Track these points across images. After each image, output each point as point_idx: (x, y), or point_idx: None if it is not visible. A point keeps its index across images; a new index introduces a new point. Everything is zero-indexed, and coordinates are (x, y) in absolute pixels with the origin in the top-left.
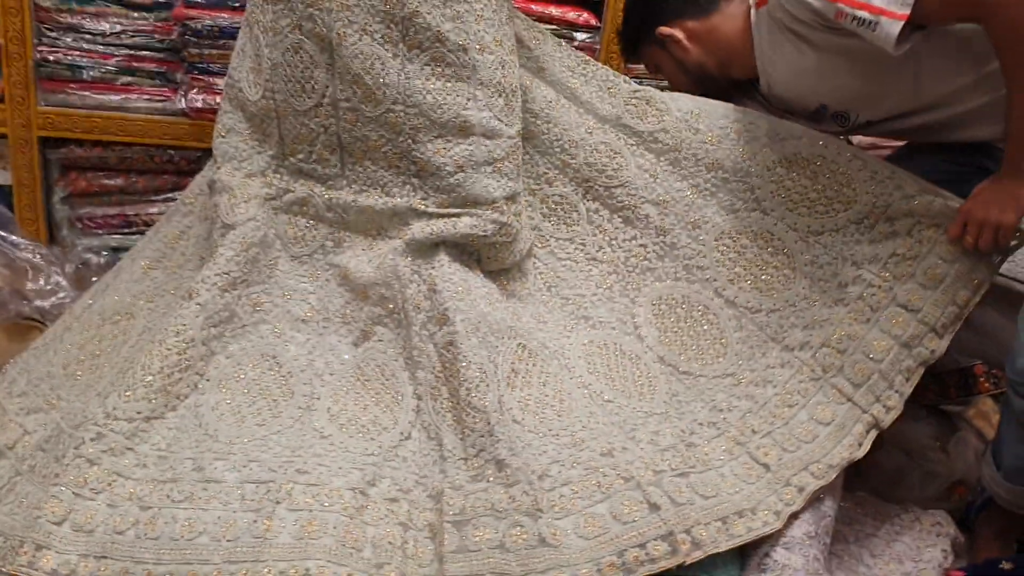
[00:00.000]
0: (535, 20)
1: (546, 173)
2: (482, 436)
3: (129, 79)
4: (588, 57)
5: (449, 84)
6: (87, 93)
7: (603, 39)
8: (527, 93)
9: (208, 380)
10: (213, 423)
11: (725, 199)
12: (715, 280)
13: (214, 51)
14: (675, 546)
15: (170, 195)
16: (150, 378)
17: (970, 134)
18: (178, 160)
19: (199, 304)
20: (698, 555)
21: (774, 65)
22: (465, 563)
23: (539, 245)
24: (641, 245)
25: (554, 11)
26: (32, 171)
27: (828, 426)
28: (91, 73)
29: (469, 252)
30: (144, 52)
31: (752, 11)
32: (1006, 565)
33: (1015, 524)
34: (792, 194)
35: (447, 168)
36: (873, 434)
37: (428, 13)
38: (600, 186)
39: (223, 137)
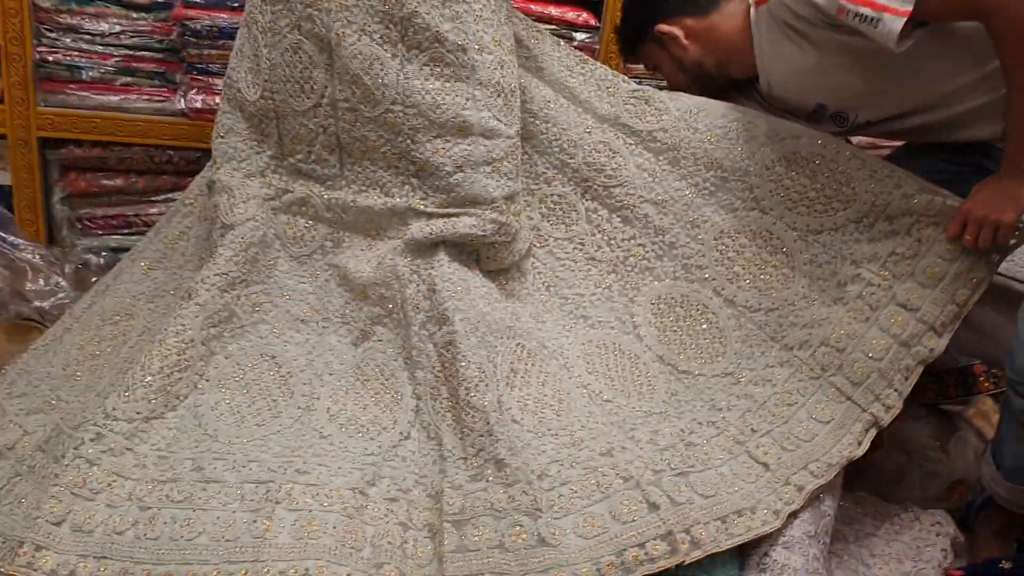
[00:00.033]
0: (534, 20)
1: (545, 173)
2: (481, 436)
3: (128, 79)
4: (586, 56)
5: (448, 84)
6: (86, 94)
7: (602, 39)
8: (525, 93)
9: (207, 380)
10: (212, 423)
11: (724, 198)
12: (714, 279)
13: (213, 51)
14: (674, 545)
15: (170, 195)
16: (149, 378)
17: (970, 134)
18: (177, 160)
19: (198, 304)
20: (697, 554)
21: (774, 63)
22: (464, 563)
23: (538, 245)
24: (640, 244)
25: (553, 11)
26: (32, 172)
27: (827, 425)
28: (90, 73)
29: (468, 252)
30: (143, 52)
31: (752, 10)
32: (1006, 564)
33: (1015, 524)
34: (791, 193)
35: (446, 168)
36: (872, 433)
37: (427, 13)
38: (599, 186)
39: (222, 137)
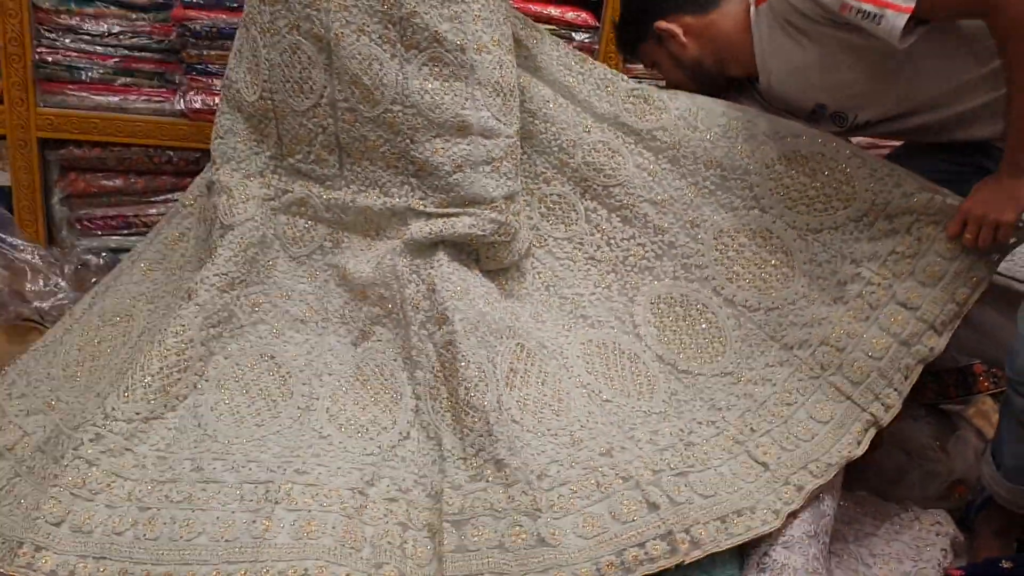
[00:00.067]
0: (534, 20)
1: (544, 172)
2: (481, 436)
3: (128, 80)
4: (585, 56)
5: (447, 84)
6: (86, 94)
7: (602, 39)
8: (524, 92)
9: (207, 380)
10: (212, 423)
11: (724, 197)
12: (713, 279)
13: (212, 52)
14: (674, 545)
15: (169, 196)
16: (149, 379)
17: (970, 134)
18: (177, 161)
19: (198, 304)
20: (697, 554)
21: (774, 61)
22: (464, 563)
23: (537, 244)
24: (639, 244)
25: (553, 11)
26: (31, 172)
27: (827, 424)
28: (90, 74)
29: (468, 252)
30: (143, 53)
31: (752, 8)
32: (1006, 564)
33: (1015, 523)
34: (791, 192)
35: (445, 168)
36: (872, 432)
37: (426, 13)
38: (598, 185)
39: (221, 138)
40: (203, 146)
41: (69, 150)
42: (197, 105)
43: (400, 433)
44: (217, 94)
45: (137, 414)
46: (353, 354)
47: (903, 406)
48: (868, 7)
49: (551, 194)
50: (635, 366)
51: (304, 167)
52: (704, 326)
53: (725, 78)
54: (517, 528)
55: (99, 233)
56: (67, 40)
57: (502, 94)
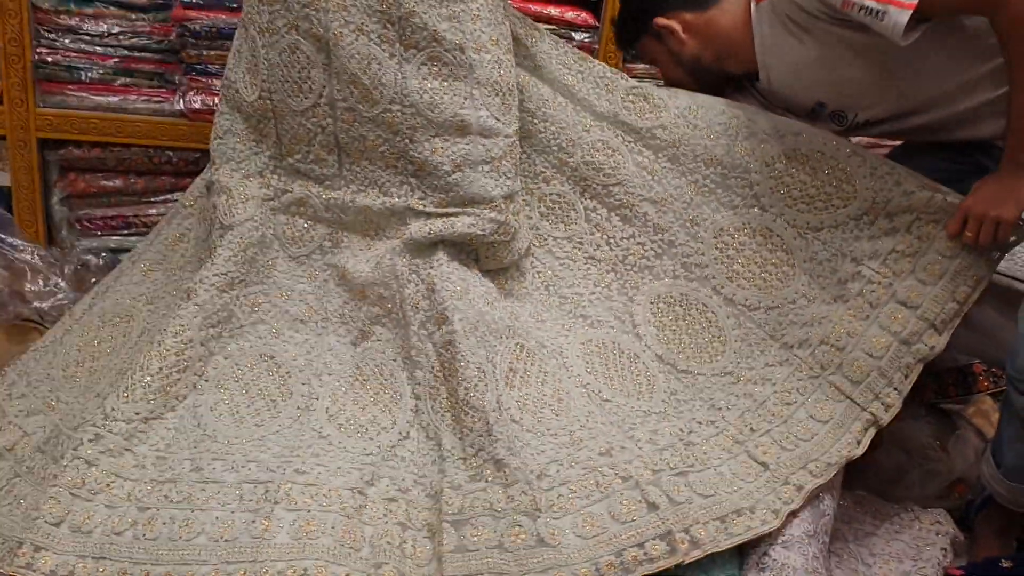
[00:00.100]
0: (533, 20)
1: (543, 172)
2: (480, 436)
3: (127, 80)
4: (585, 54)
5: (446, 83)
6: (85, 94)
7: (601, 38)
8: (524, 92)
9: (207, 380)
10: (211, 423)
11: (724, 196)
12: (713, 278)
13: (212, 52)
14: (673, 545)
15: (169, 196)
16: (148, 379)
17: (970, 133)
18: (176, 161)
19: (197, 304)
20: (697, 554)
21: (775, 59)
22: (463, 563)
23: (537, 244)
24: (639, 243)
25: (552, 11)
26: (31, 173)
27: (827, 424)
28: (89, 74)
29: (467, 251)
30: (142, 53)
31: (752, 5)
32: (1006, 564)
33: (1015, 523)
34: (791, 190)
35: (444, 167)
36: (872, 432)
37: (424, 13)
38: (598, 184)
39: (220, 138)
40: (203, 146)
41: (69, 150)
42: (197, 105)
43: (400, 433)
44: (217, 94)
45: (137, 414)
46: (353, 354)
47: (903, 405)
48: (871, 3)
49: (551, 193)
50: (635, 366)
51: (303, 167)
52: (704, 325)
53: (724, 75)
54: (516, 528)
55: (99, 233)
56: (67, 40)
57: (501, 93)
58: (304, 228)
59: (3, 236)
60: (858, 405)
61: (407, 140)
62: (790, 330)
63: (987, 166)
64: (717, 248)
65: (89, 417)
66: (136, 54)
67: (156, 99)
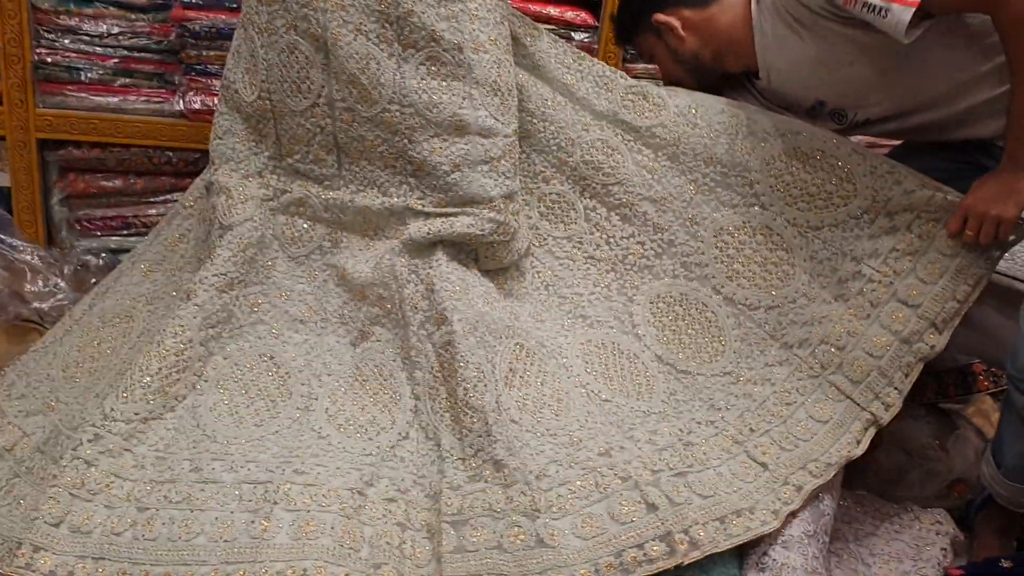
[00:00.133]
0: (533, 20)
1: (543, 171)
2: (480, 436)
3: (127, 81)
4: (583, 53)
5: (444, 83)
6: (85, 95)
7: (601, 38)
8: (523, 91)
9: (206, 381)
10: (211, 424)
11: (724, 194)
12: (713, 277)
13: (212, 52)
14: (673, 546)
15: (168, 196)
16: (148, 379)
17: (970, 132)
18: (176, 161)
19: (197, 305)
20: (696, 555)
21: (776, 57)
22: (462, 563)
23: (537, 244)
24: (639, 243)
25: (552, 11)
26: (31, 173)
27: (826, 424)
28: (89, 75)
29: (466, 251)
30: (142, 54)
31: (753, 3)
32: (1006, 563)
33: (1015, 523)
34: (791, 189)
35: (443, 167)
36: (872, 432)
37: (423, 13)
38: (597, 184)
39: (220, 139)
40: (202, 147)
41: (68, 151)
42: (196, 106)
43: (399, 433)
44: (216, 95)
45: (136, 414)
46: (352, 354)
47: (903, 405)
48: (874, 0)
49: (550, 193)
50: (634, 366)
51: (302, 167)
52: (703, 325)
53: (722, 72)
54: (516, 529)
55: (98, 234)
56: (66, 41)
57: (500, 93)
58: (303, 228)
59: (3, 236)
60: (858, 405)
61: (406, 140)
62: (790, 329)
63: (987, 165)
64: (717, 247)
65: (88, 417)
66: (136, 54)
67: (156, 99)
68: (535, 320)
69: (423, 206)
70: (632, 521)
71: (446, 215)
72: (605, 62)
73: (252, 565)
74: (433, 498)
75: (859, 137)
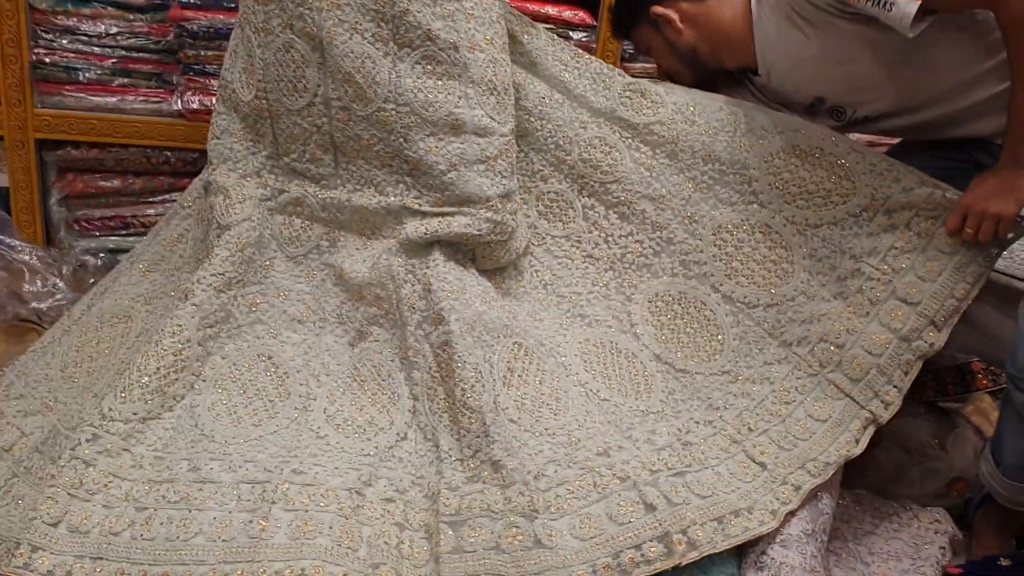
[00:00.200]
0: (531, 20)
1: (541, 170)
2: (478, 437)
3: (125, 81)
4: (581, 51)
5: (440, 82)
6: (83, 95)
7: (599, 37)
8: (520, 90)
9: (204, 380)
10: (209, 423)
11: (722, 192)
12: (712, 275)
13: (210, 52)
14: (671, 547)
15: (167, 196)
16: (146, 379)
17: (973, 130)
18: (174, 161)
19: (195, 305)
20: (694, 556)
21: (776, 53)
22: (461, 564)
23: (535, 243)
24: (637, 241)
25: (550, 10)
26: (29, 173)
27: (825, 423)
28: (87, 75)
29: (464, 251)
30: (140, 54)
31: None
32: (1005, 562)
33: (1014, 521)
34: (790, 186)
35: (440, 166)
36: (871, 430)
37: (418, 11)
38: (595, 182)
39: (218, 139)
40: (201, 146)
41: (67, 151)
42: (194, 106)
43: (397, 434)
44: (214, 94)
45: (134, 414)
46: (350, 355)
47: (902, 403)
48: None
49: (548, 192)
50: (632, 365)
51: (300, 166)
52: (702, 324)
53: (719, 68)
54: (514, 529)
55: (97, 234)
56: (64, 41)
57: (496, 92)
58: (301, 228)
59: (1, 237)
60: (857, 403)
61: (402, 139)
62: (789, 327)
63: (985, 164)
64: (716, 245)
65: (87, 417)
66: (134, 54)
67: (154, 99)
68: (533, 319)
69: (419, 205)
70: (630, 522)
71: (443, 215)
72: (603, 61)
73: (250, 565)
74: (431, 498)
75: (857, 135)
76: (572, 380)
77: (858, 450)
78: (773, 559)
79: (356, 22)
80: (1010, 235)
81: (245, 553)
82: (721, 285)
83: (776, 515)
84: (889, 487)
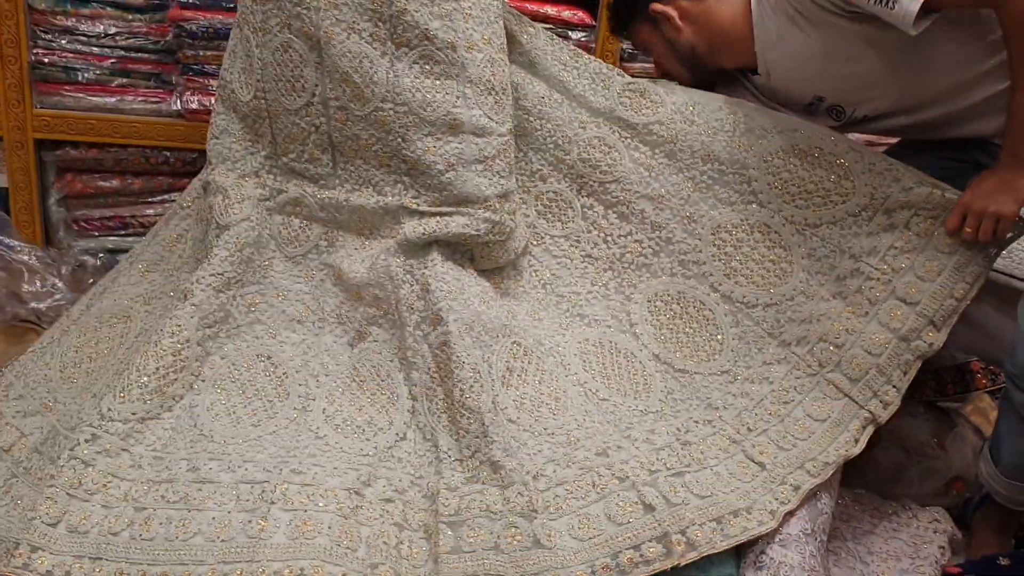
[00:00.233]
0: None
1: (540, 170)
2: (477, 438)
3: (124, 81)
4: (580, 51)
5: (438, 82)
6: (82, 95)
7: (598, 37)
8: (519, 90)
9: (203, 380)
10: (208, 423)
11: (721, 192)
12: (711, 275)
13: (209, 52)
14: (670, 547)
15: (166, 196)
16: (145, 379)
17: (970, 130)
18: (173, 161)
19: (194, 305)
20: (693, 556)
21: (777, 52)
22: (459, 564)
23: (534, 243)
24: (636, 241)
25: (549, 10)
26: (28, 173)
27: (824, 423)
28: (86, 75)
29: (462, 251)
30: (139, 54)
31: None
32: (1004, 561)
33: (1013, 520)
34: (789, 186)
35: (438, 166)
36: (870, 430)
37: (416, 11)
38: (594, 182)
39: (216, 138)
40: (200, 147)
41: (66, 151)
42: (193, 106)
43: (396, 434)
44: (213, 94)
45: (133, 414)
46: (349, 355)
47: (901, 403)
48: None
49: (547, 191)
50: (631, 365)
51: (298, 166)
52: (701, 324)
53: (716, 67)
54: (513, 530)
55: (96, 234)
56: (63, 41)
57: (493, 92)
58: (300, 228)
59: (0, 237)
60: (856, 403)
61: (399, 139)
62: (788, 327)
63: (984, 164)
64: (715, 245)
65: (86, 418)
66: (133, 55)
67: (153, 99)
68: (533, 319)
69: (418, 205)
70: (629, 522)
71: (441, 214)
72: (602, 60)
73: (249, 564)
74: (430, 499)
75: (856, 134)
76: (571, 380)
77: (857, 450)
78: (772, 559)
79: (353, 21)
80: (1009, 235)
81: (244, 553)
82: (720, 285)
83: (775, 515)
84: (888, 487)
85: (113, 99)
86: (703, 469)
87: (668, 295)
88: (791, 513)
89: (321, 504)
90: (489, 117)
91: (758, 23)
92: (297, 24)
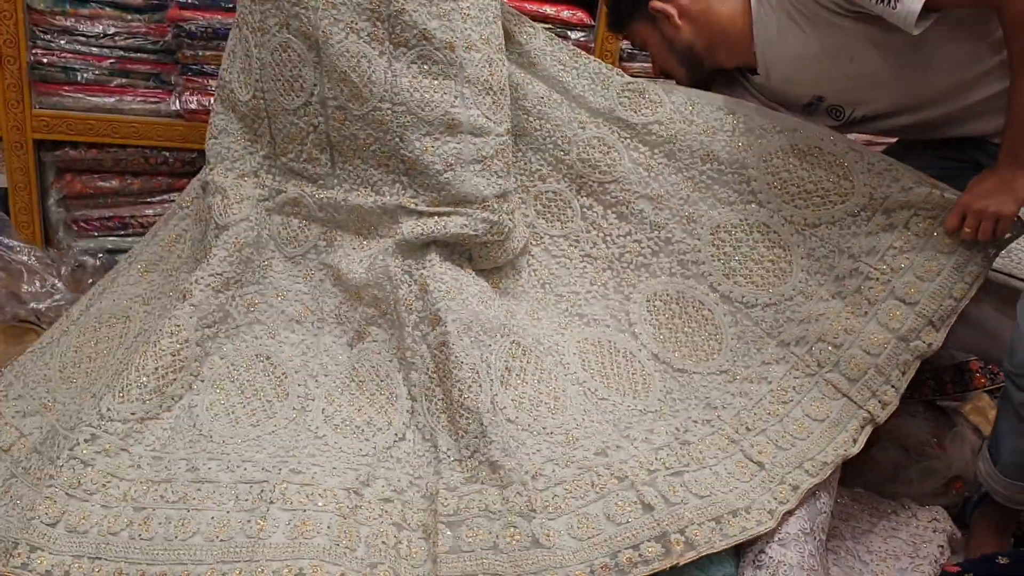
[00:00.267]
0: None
1: (539, 170)
2: (475, 438)
3: (123, 81)
4: (579, 51)
5: (436, 82)
6: (81, 95)
7: (597, 37)
8: (519, 90)
9: (202, 380)
10: (207, 423)
11: (721, 192)
12: (710, 275)
13: (208, 52)
14: (669, 547)
15: (165, 196)
16: (144, 379)
17: (969, 130)
18: (173, 161)
19: (193, 305)
20: (691, 556)
21: (777, 52)
22: (458, 563)
23: (533, 242)
24: (635, 240)
25: (548, 10)
26: (27, 174)
27: (823, 422)
28: (85, 75)
29: (460, 251)
30: (138, 54)
31: None
32: (1003, 560)
33: (1012, 519)
34: (788, 186)
35: (436, 166)
36: (868, 430)
37: (414, 11)
38: (594, 182)
39: (215, 138)
40: (199, 147)
41: (65, 151)
42: (193, 106)
43: (396, 434)
44: (212, 94)
45: (132, 414)
46: (349, 355)
47: (900, 402)
48: None
49: (547, 191)
50: (630, 364)
51: (297, 166)
52: (700, 324)
53: (714, 66)
54: (512, 529)
55: (95, 234)
56: (62, 41)
57: (492, 92)
58: (299, 228)
59: (0, 237)
60: (855, 403)
61: (397, 139)
62: (787, 327)
63: (984, 163)
64: (714, 245)
65: (85, 418)
66: (132, 55)
67: (152, 100)
68: (532, 318)
69: (416, 205)
70: (628, 521)
71: (440, 215)
72: (601, 60)
73: (248, 564)
74: (429, 499)
75: (856, 134)
76: (570, 379)
77: (855, 449)
78: (771, 558)
79: (352, 21)
80: (1008, 234)
81: (243, 553)
82: (719, 285)
83: (774, 515)
84: (887, 486)
85: (112, 99)
86: (702, 469)
87: (667, 295)
88: (790, 512)
89: (320, 504)
90: (487, 117)
91: (758, 22)
92: (295, 24)
